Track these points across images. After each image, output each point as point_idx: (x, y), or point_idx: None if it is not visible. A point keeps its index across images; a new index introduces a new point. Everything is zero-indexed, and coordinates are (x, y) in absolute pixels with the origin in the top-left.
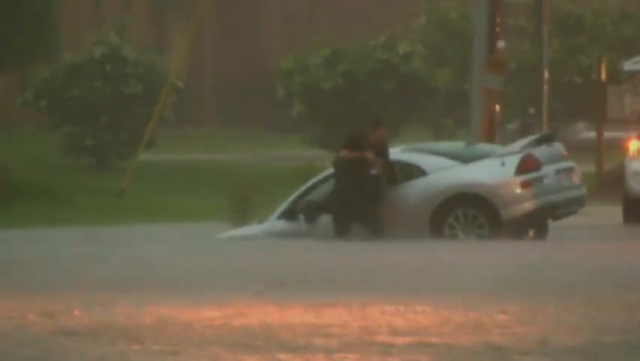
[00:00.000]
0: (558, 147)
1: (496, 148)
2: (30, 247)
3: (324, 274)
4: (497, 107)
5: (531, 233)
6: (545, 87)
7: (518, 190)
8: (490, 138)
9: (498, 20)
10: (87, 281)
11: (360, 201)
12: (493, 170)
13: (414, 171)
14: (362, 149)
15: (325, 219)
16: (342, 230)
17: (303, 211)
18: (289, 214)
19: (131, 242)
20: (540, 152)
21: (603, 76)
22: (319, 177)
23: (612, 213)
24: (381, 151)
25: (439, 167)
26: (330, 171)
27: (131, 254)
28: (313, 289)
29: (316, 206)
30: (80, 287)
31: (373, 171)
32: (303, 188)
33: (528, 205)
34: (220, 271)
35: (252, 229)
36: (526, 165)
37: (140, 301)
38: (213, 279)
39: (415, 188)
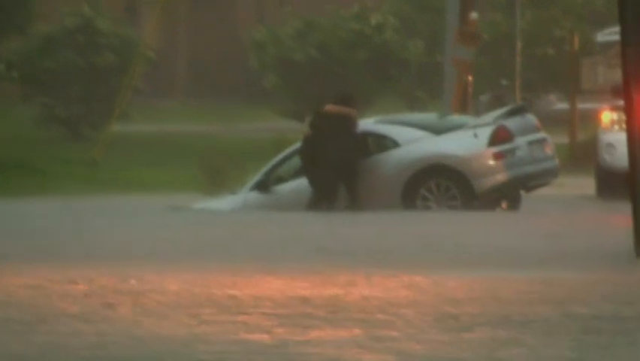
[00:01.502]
0: (531, 118)
1: (469, 120)
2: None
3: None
4: (470, 79)
5: (504, 204)
6: (518, 59)
7: (491, 162)
8: (462, 109)
9: None
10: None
11: (344, 157)
12: (466, 141)
13: (386, 143)
14: (349, 106)
15: (288, 189)
16: (325, 196)
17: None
18: (262, 186)
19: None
20: (513, 123)
21: (576, 47)
22: (292, 148)
23: (585, 184)
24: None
25: (412, 138)
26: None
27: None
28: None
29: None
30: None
31: (356, 129)
32: (275, 160)
33: (501, 177)
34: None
35: (224, 201)
36: (499, 137)
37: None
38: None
39: (388, 159)
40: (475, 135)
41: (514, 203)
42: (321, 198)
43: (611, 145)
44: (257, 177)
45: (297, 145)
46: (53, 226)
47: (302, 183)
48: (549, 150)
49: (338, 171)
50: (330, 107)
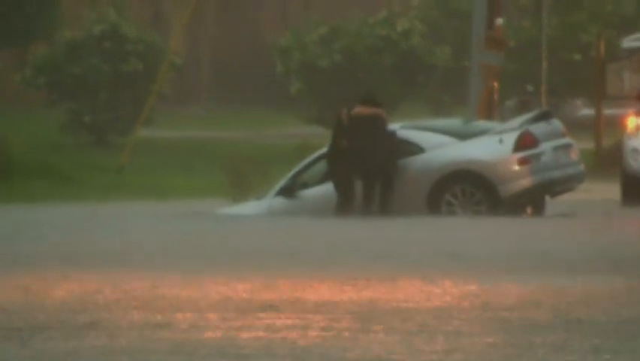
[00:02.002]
0: (556, 123)
1: (494, 125)
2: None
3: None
4: (495, 85)
5: (529, 210)
6: (544, 64)
7: (516, 167)
8: (488, 114)
9: None
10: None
11: (375, 159)
12: (491, 147)
13: (412, 148)
14: (377, 106)
15: (313, 194)
16: (345, 202)
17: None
18: (287, 191)
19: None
20: (538, 129)
21: (602, 53)
22: (316, 154)
23: (610, 190)
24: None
25: (437, 144)
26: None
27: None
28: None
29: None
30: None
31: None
32: (300, 165)
33: (525, 182)
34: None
35: (249, 206)
36: (524, 142)
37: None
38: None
39: (413, 165)
40: (501, 141)
41: (538, 208)
42: (344, 202)
43: (636, 150)
44: (282, 182)
45: (322, 150)
46: (75, 232)
47: (327, 188)
48: (574, 156)
49: (376, 175)
50: (360, 109)
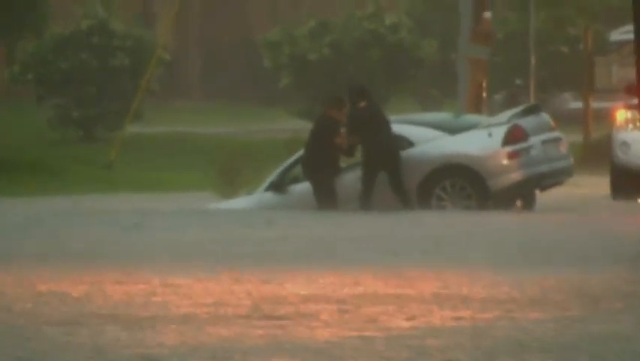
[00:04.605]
0: (545, 117)
1: (483, 119)
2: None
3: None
4: (484, 78)
5: (519, 204)
6: (532, 58)
7: (505, 161)
8: (476, 108)
9: None
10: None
11: (389, 150)
12: (480, 141)
13: (401, 143)
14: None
15: (303, 189)
16: (367, 197)
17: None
18: (277, 186)
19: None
20: (527, 122)
21: (590, 46)
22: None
23: (599, 183)
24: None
25: (426, 138)
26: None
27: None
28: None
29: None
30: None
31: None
32: (290, 160)
33: (515, 176)
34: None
35: (240, 201)
36: (513, 136)
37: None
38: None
39: (403, 159)
40: (490, 135)
41: (528, 202)
42: (329, 203)
43: (625, 143)
44: (272, 177)
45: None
46: (59, 226)
47: None
48: (563, 149)
49: (382, 168)
50: (363, 104)
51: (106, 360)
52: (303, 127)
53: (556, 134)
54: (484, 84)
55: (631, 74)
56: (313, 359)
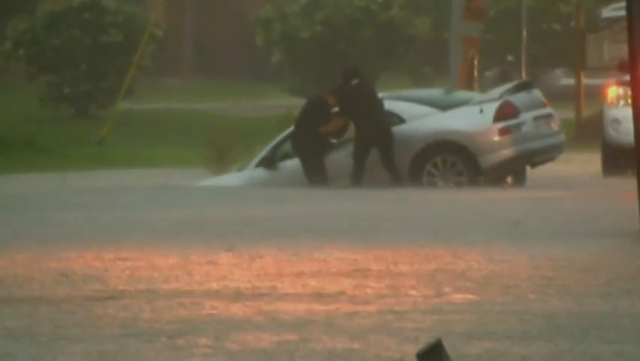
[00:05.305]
0: (537, 94)
1: (475, 95)
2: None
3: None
4: (476, 55)
5: (509, 180)
6: (524, 34)
7: (497, 137)
8: (468, 85)
9: None
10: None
11: (381, 128)
12: (472, 117)
13: (393, 119)
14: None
15: (294, 165)
16: (359, 174)
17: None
18: (268, 162)
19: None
20: (518, 99)
21: (582, 23)
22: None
23: (591, 160)
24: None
25: (418, 114)
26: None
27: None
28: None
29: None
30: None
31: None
32: (281, 136)
33: (506, 152)
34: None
35: (230, 177)
36: (505, 112)
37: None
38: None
39: (394, 136)
40: (481, 111)
41: (519, 178)
42: (320, 179)
43: (616, 120)
44: (262, 153)
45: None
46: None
47: None
48: (555, 126)
49: (374, 145)
50: (355, 82)
51: (96, 335)
52: (296, 104)
53: (547, 110)
54: (475, 61)
55: (623, 50)
56: (323, 334)
